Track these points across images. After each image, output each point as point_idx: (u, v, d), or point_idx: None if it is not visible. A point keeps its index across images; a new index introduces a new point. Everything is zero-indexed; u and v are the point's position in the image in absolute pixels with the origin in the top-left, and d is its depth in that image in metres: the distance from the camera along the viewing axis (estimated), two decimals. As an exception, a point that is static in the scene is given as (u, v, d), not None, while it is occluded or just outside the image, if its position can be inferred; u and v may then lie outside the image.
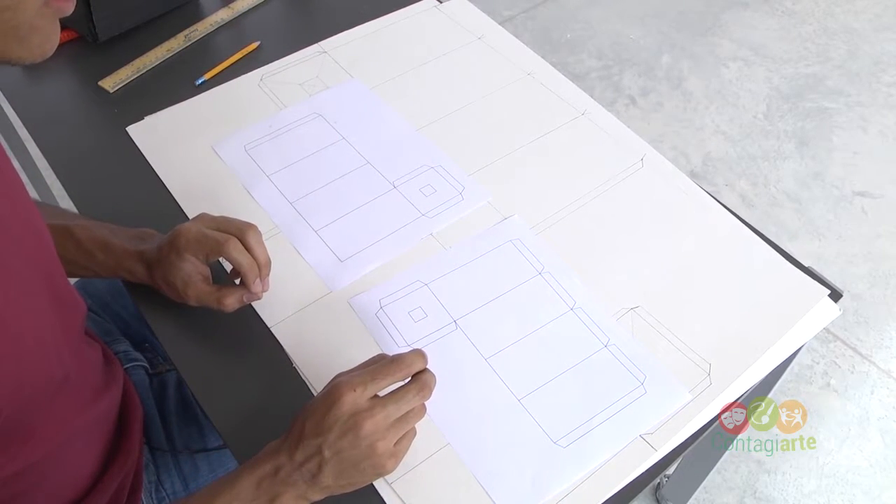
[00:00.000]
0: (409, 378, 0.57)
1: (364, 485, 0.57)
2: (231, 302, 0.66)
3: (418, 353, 0.58)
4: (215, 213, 0.70)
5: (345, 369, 0.60)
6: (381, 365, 0.56)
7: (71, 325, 0.59)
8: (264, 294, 0.69)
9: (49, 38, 0.46)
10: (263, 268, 0.67)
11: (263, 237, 0.71)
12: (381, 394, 0.56)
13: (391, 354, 0.59)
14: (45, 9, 0.44)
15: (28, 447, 0.54)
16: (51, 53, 0.47)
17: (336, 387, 0.54)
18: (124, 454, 0.68)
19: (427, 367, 0.58)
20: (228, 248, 0.64)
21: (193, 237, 0.65)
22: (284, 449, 0.54)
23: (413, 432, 0.58)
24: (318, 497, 0.56)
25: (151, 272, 0.67)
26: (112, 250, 0.68)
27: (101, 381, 0.67)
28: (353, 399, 0.54)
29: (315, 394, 0.66)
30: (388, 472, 0.56)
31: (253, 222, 0.67)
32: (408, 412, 0.56)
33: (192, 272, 0.66)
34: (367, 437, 0.53)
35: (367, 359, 0.59)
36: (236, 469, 0.56)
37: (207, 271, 0.67)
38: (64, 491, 0.62)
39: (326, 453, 0.53)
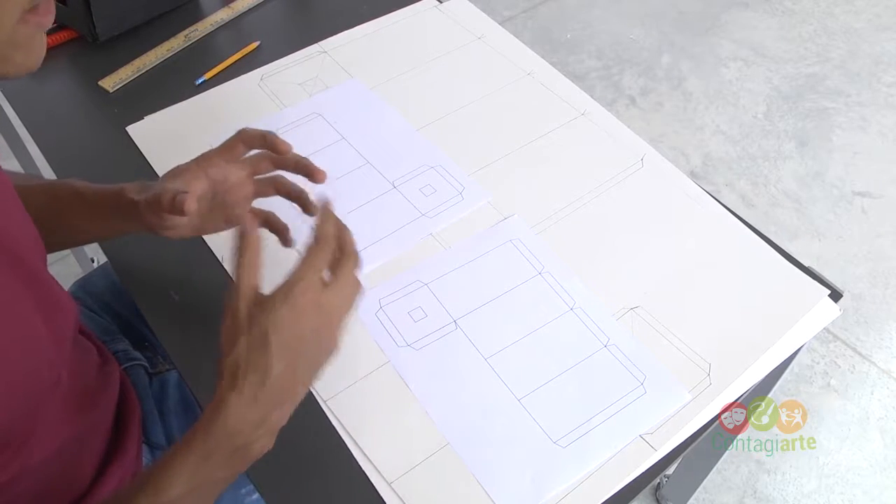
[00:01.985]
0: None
1: (321, 364, 0.54)
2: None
3: (323, 216, 0.55)
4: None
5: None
6: (314, 255, 0.53)
7: (62, 328, 0.58)
8: None
9: (32, 53, 0.45)
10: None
11: (263, 237, 0.71)
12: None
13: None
14: (22, 25, 0.43)
15: (23, 452, 0.53)
16: (36, 68, 0.46)
17: (297, 294, 0.50)
18: (122, 454, 0.67)
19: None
20: (244, 130, 0.63)
21: (211, 151, 0.64)
22: (247, 391, 0.49)
23: (359, 286, 0.55)
24: (286, 419, 0.52)
25: (154, 190, 0.63)
26: (110, 188, 0.66)
27: (96, 383, 0.67)
28: (315, 301, 0.51)
29: (315, 394, 0.66)
30: (339, 332, 0.53)
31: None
32: (338, 278, 0.53)
33: (200, 176, 0.63)
34: (333, 322, 0.52)
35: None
36: (193, 432, 0.50)
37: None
38: (61, 492, 0.62)
39: (301, 366, 0.51)
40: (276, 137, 0.64)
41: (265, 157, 0.66)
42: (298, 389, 0.52)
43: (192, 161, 0.64)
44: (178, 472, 0.49)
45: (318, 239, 0.54)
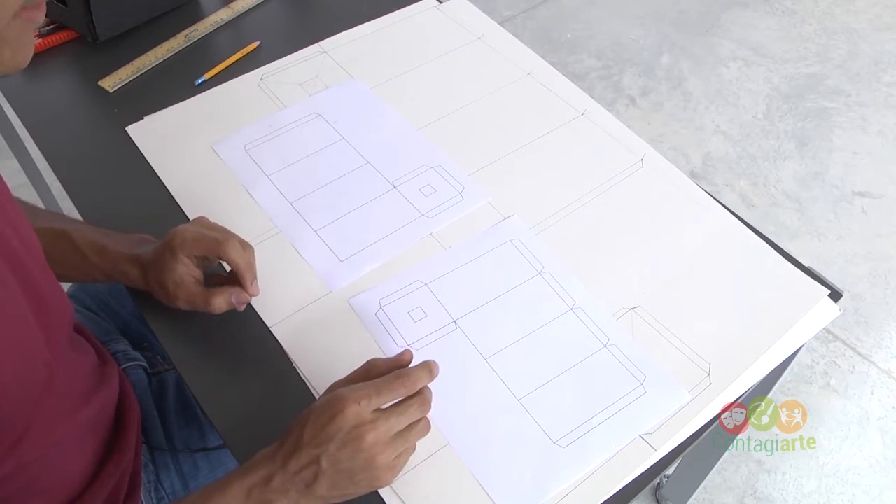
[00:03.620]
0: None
1: (357, 496, 0.57)
2: (219, 303, 0.66)
3: (424, 369, 0.57)
4: (215, 212, 0.70)
5: (344, 369, 0.59)
6: (387, 380, 0.56)
7: (55, 326, 0.58)
8: (263, 295, 0.69)
9: (22, 50, 0.45)
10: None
11: (263, 237, 0.71)
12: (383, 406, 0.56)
13: (384, 358, 0.59)
14: (14, 21, 0.43)
15: (18, 450, 0.53)
16: (25, 65, 0.46)
17: (339, 399, 0.54)
18: (120, 454, 0.67)
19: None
20: (228, 247, 0.65)
21: (190, 236, 0.65)
22: (279, 457, 0.54)
23: (413, 448, 0.58)
24: None
25: (146, 274, 0.67)
26: (107, 254, 0.68)
27: (93, 382, 0.67)
28: (357, 412, 0.53)
29: (315, 394, 0.66)
30: (383, 486, 0.56)
31: (252, 222, 0.67)
32: (409, 426, 0.56)
33: (184, 274, 0.66)
34: (367, 450, 0.53)
35: (361, 363, 0.59)
36: (227, 475, 0.55)
37: (200, 275, 0.68)
38: (58, 491, 0.62)
39: (324, 464, 0.53)
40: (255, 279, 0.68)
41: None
42: (319, 486, 0.54)
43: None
44: None
45: (399, 374, 0.57)
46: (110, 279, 0.70)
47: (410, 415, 0.56)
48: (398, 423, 0.55)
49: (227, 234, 0.66)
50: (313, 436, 0.53)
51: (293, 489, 0.53)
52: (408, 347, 0.68)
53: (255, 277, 0.67)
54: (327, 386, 0.59)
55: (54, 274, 0.61)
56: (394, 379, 0.56)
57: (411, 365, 0.59)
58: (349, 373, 0.59)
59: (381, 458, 0.54)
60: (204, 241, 0.65)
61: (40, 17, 0.46)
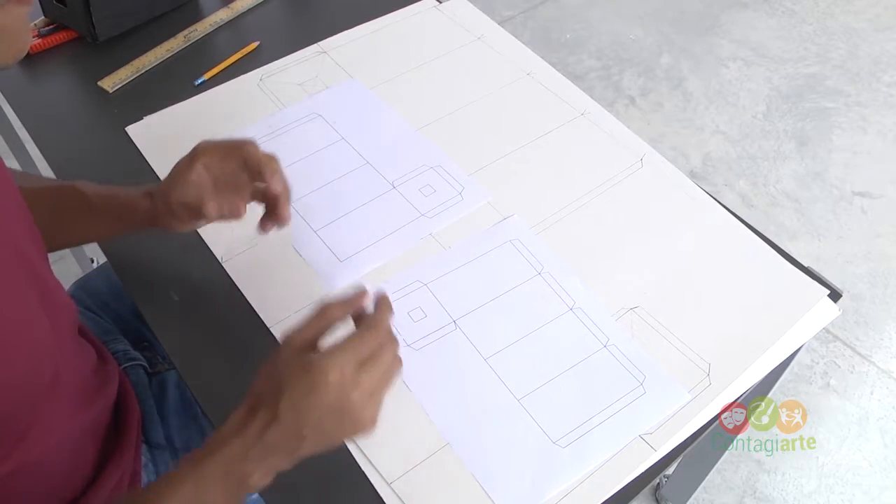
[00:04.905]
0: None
1: (337, 444, 0.54)
2: (212, 207, 0.64)
3: (385, 308, 0.55)
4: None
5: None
6: (361, 338, 0.52)
7: (61, 326, 0.58)
8: (263, 295, 0.69)
9: (18, 38, 0.45)
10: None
11: (263, 237, 0.70)
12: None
13: (338, 299, 0.55)
14: (6, 6, 0.43)
15: (20, 448, 0.53)
16: (23, 54, 0.46)
17: (319, 370, 0.50)
18: (120, 454, 0.67)
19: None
20: (249, 147, 0.62)
21: (212, 144, 0.64)
22: (252, 430, 0.50)
23: (389, 376, 0.54)
24: (290, 465, 0.52)
25: (154, 203, 0.65)
26: (116, 197, 0.67)
27: (94, 382, 0.67)
28: (340, 380, 0.50)
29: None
30: (368, 432, 0.53)
31: (252, 222, 0.67)
32: (386, 371, 0.54)
33: (204, 183, 0.64)
34: (352, 409, 0.51)
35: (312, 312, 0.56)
36: (196, 454, 0.52)
37: (209, 185, 0.65)
38: (59, 490, 0.62)
39: (307, 432, 0.50)
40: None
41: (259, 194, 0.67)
42: (304, 447, 0.51)
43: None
44: (175, 490, 0.50)
45: (370, 325, 0.54)
46: (125, 224, 0.68)
47: (385, 361, 0.53)
48: (377, 373, 0.52)
49: (242, 139, 0.64)
50: (292, 408, 0.50)
51: (271, 456, 0.51)
52: (409, 347, 0.68)
53: (276, 172, 0.64)
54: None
55: (68, 234, 0.60)
56: (366, 332, 0.53)
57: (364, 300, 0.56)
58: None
59: (367, 411, 0.52)
60: (223, 144, 0.64)
61: (29, 3, 0.45)
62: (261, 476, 0.51)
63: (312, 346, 0.54)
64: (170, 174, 0.65)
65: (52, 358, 0.55)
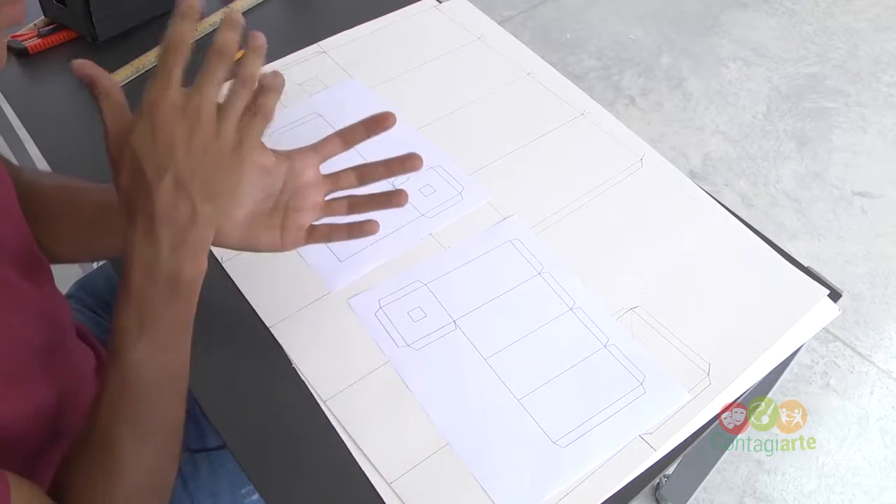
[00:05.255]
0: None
1: (234, 193, 0.50)
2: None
3: (226, 26, 0.50)
4: None
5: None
6: (162, 62, 0.48)
7: (52, 339, 0.56)
8: (263, 295, 0.69)
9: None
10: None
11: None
12: None
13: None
14: None
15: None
16: (2, 65, 0.45)
17: (145, 106, 0.46)
18: None
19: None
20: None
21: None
22: (140, 222, 0.46)
23: (259, 111, 0.50)
24: (209, 236, 0.49)
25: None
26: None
27: (92, 386, 0.66)
28: (169, 101, 0.46)
29: (315, 394, 0.66)
30: (247, 162, 0.49)
31: None
32: (234, 87, 0.49)
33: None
34: (206, 129, 0.46)
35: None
36: (119, 288, 0.48)
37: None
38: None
39: (184, 177, 0.46)
40: (375, 117, 0.60)
41: (350, 171, 0.63)
42: (200, 208, 0.47)
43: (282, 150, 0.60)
44: (125, 324, 0.48)
45: (212, 51, 0.49)
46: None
47: (215, 75, 0.48)
48: (210, 86, 0.48)
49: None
50: (153, 162, 0.45)
51: (184, 233, 0.46)
52: (409, 347, 0.68)
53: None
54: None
55: (76, 245, 0.59)
56: (164, 55, 0.48)
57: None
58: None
59: (226, 132, 0.47)
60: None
61: (20, 14, 0.44)
62: (190, 262, 0.47)
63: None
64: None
65: (36, 381, 0.53)
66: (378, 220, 0.66)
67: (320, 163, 0.62)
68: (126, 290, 0.48)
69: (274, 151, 0.60)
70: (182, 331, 0.51)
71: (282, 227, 0.61)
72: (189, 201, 0.47)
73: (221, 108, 0.48)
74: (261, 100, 0.50)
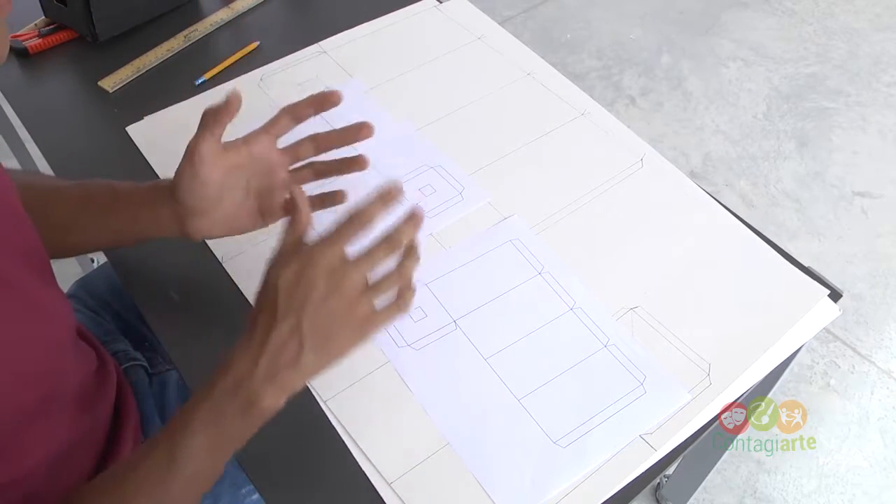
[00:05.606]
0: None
1: (342, 358, 0.53)
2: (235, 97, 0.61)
3: (377, 201, 0.53)
4: None
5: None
6: (340, 222, 0.53)
7: (54, 340, 0.57)
8: None
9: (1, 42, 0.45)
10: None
11: (263, 237, 0.70)
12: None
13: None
14: None
15: (13, 460, 0.52)
16: (2, 60, 0.46)
17: (306, 255, 0.51)
18: (120, 457, 0.67)
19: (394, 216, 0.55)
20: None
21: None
22: (255, 342, 0.50)
23: (401, 306, 0.54)
24: (299, 384, 0.52)
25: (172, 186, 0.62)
26: (139, 187, 0.65)
27: (93, 387, 0.66)
28: (327, 261, 0.50)
29: (316, 394, 0.66)
30: (368, 338, 0.53)
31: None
32: (388, 275, 0.53)
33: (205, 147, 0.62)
34: (346, 298, 0.51)
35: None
36: (205, 383, 0.52)
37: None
38: (57, 496, 0.61)
39: (305, 327, 0.50)
40: (323, 94, 0.63)
41: (307, 141, 0.66)
42: (305, 357, 0.51)
43: (236, 139, 0.63)
44: (191, 416, 0.50)
45: (355, 214, 0.53)
46: (140, 220, 0.65)
47: (377, 255, 0.52)
48: (368, 265, 0.52)
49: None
50: (286, 304, 0.50)
51: (282, 370, 0.50)
52: (409, 347, 0.68)
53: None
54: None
55: (96, 235, 0.62)
56: (346, 217, 0.53)
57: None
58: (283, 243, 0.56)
59: (361, 307, 0.52)
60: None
61: (7, 5, 0.45)
62: (273, 396, 0.51)
63: (295, 244, 0.54)
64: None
65: (39, 380, 0.53)
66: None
67: (275, 141, 0.65)
68: (209, 386, 0.51)
69: (235, 143, 0.63)
70: (235, 445, 0.53)
71: (259, 209, 0.65)
72: (298, 347, 0.51)
73: (370, 288, 0.53)
74: (406, 296, 0.55)
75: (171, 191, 0.62)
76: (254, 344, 0.51)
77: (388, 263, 0.54)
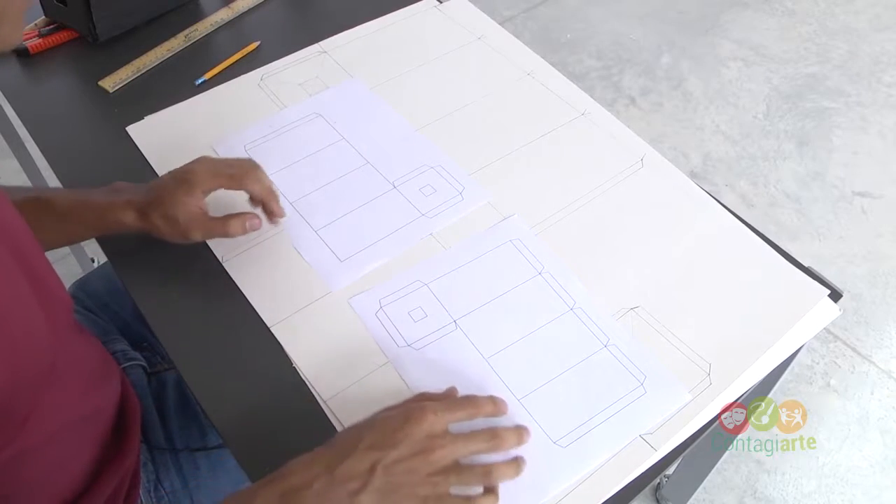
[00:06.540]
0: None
1: None
2: (236, 225, 0.69)
3: (492, 398, 0.58)
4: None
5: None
6: (456, 398, 0.57)
7: (57, 316, 0.58)
8: (263, 295, 0.69)
9: (18, 26, 0.47)
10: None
11: (264, 237, 0.70)
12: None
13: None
14: None
15: (24, 430, 0.53)
16: (18, 43, 0.48)
17: (420, 407, 0.52)
18: (122, 455, 0.67)
19: (503, 419, 0.58)
20: (249, 180, 0.69)
21: (209, 173, 0.68)
22: (323, 460, 0.50)
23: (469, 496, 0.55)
24: None
25: (146, 215, 0.68)
26: (92, 206, 0.69)
27: (95, 376, 0.67)
28: (433, 423, 0.51)
29: (316, 394, 0.66)
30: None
31: (253, 220, 0.70)
32: (473, 466, 0.54)
33: (195, 208, 0.67)
34: (429, 466, 0.51)
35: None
36: (257, 483, 0.52)
37: (206, 207, 0.69)
38: (60, 489, 0.61)
39: (378, 472, 0.49)
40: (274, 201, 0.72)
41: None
42: (361, 499, 0.50)
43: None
44: None
45: (470, 399, 0.57)
46: (100, 231, 0.71)
47: (478, 442, 0.54)
48: (465, 447, 0.53)
49: (244, 169, 0.69)
50: (376, 440, 0.50)
51: (334, 499, 0.49)
52: (409, 347, 0.68)
53: (278, 199, 0.72)
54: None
55: (43, 243, 0.61)
56: (463, 398, 0.57)
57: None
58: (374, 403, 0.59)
59: (438, 481, 0.51)
60: (222, 177, 0.68)
61: None
62: None
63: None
64: (163, 192, 0.67)
65: (51, 347, 0.55)
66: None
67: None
68: (255, 487, 0.51)
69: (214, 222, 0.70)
70: None
71: (210, 228, 0.70)
72: (361, 486, 0.49)
73: (455, 469, 0.53)
74: (485, 501, 0.55)
75: (132, 211, 0.68)
76: (321, 462, 0.50)
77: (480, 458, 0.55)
